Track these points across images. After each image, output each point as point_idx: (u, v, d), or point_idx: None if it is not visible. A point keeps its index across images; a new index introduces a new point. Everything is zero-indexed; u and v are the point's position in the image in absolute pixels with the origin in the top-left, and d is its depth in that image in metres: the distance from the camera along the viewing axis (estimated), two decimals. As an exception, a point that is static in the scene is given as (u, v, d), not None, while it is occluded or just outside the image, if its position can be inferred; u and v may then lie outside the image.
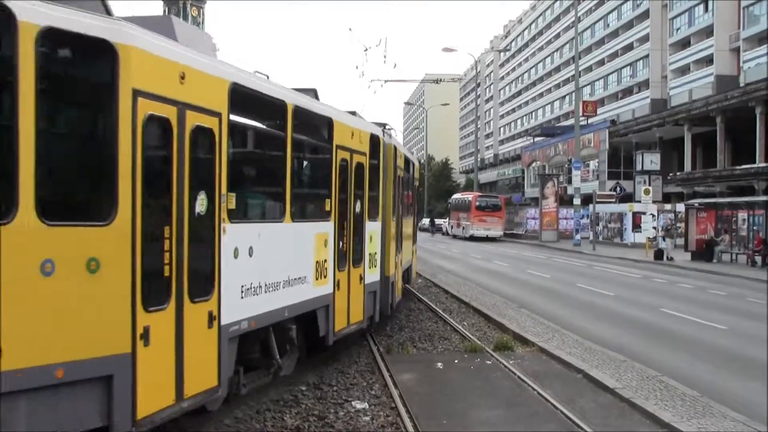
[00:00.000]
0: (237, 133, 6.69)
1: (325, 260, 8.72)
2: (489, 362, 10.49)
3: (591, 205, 45.07)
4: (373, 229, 10.40)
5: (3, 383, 4.31)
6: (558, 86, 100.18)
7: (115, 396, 5.01)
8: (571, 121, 71.54)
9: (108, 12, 5.18)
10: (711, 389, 8.99)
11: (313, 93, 9.12)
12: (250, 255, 6.78)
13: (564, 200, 56.51)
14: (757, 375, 9.95)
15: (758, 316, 15.59)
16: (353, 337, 11.91)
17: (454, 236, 59.28)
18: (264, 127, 7.49)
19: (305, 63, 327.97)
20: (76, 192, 5.06)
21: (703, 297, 19.15)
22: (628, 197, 50.55)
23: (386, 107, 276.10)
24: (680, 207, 41.59)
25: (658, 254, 32.47)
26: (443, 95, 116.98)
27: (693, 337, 12.95)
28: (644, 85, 75.71)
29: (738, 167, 44.12)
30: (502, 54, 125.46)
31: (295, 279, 7.94)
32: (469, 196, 58.90)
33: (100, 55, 4.93)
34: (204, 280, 6.03)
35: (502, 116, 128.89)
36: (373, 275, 10.43)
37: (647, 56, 74.64)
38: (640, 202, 41.83)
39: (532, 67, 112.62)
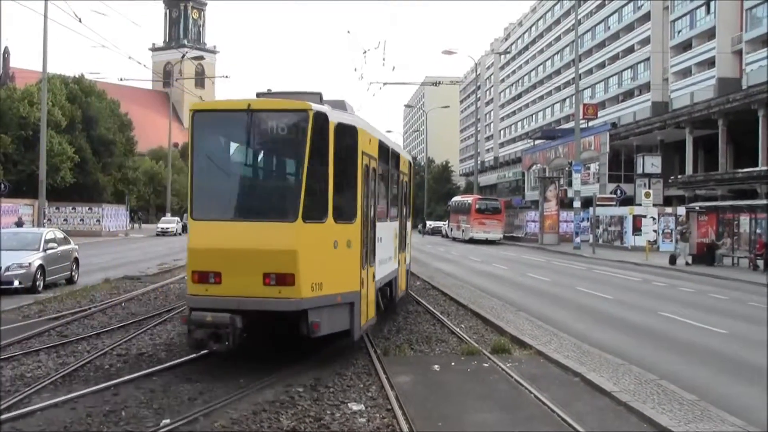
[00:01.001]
0: (379, 167, 11.80)
1: (395, 247, 13.88)
2: (486, 365, 10.50)
3: (591, 208, 45.13)
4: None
5: (324, 300, 9.33)
6: (558, 89, 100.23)
7: (354, 313, 9.95)
8: (571, 124, 71.56)
9: (321, 101, 10.22)
10: (709, 393, 8.98)
11: (318, 97, 10.50)
12: (381, 242, 11.68)
13: (564, 203, 56.57)
14: (756, 379, 9.97)
15: (759, 320, 15.60)
16: (350, 340, 11.93)
17: (454, 239, 59.32)
18: (384, 164, 12.39)
19: (303, 63, 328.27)
20: (343, 207, 9.80)
21: (704, 301, 19.16)
22: (628, 200, 50.59)
23: (386, 110, 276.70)
24: (681, 210, 41.61)
25: (673, 259, 32.00)
26: (443, 98, 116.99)
27: (692, 341, 12.95)
28: (645, 87, 75.75)
29: (740, 170, 44.15)
30: (502, 56, 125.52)
31: (389, 258, 12.96)
32: (469, 198, 58.97)
33: (352, 134, 9.96)
34: (373, 254, 11.14)
35: (502, 119, 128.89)
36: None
37: (648, 59, 74.69)
38: (640, 205, 41.85)
39: (532, 70, 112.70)
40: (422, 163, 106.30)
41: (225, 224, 9.46)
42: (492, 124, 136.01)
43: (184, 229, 64.25)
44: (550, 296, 19.80)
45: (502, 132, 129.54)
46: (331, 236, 9.62)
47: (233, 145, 10.07)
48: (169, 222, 62.44)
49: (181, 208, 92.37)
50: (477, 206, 54.94)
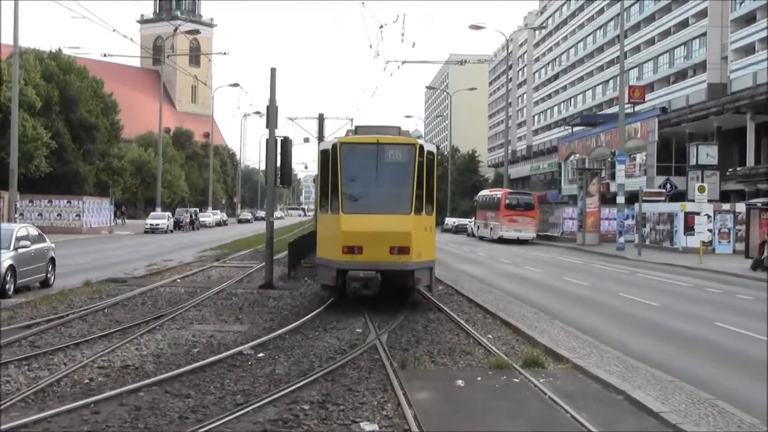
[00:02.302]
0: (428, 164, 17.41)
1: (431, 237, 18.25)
2: (516, 380, 10.50)
3: (637, 204, 44.87)
4: None
5: (422, 265, 17.08)
6: (601, 69, 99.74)
7: (432, 277, 17.78)
8: (615, 109, 71.14)
9: (399, 132, 18.10)
10: (772, 414, 8.90)
11: (398, 129, 18.50)
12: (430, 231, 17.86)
13: (606, 198, 56.32)
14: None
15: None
16: (363, 351, 12.13)
17: (481, 238, 59.34)
18: (426, 164, 17.43)
19: (311, 39, 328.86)
20: (429, 204, 17.22)
21: (765, 310, 19.02)
22: (679, 195, 50.30)
23: (405, 92, 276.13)
24: (741, 207, 41.30)
25: (757, 263, 30.89)
26: (469, 79, 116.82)
27: (752, 356, 12.86)
28: (700, 67, 75.20)
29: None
30: (537, 32, 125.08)
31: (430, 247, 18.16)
32: (498, 193, 58.96)
33: (432, 156, 17.48)
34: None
35: (536, 103, 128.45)
36: None
37: (704, 34, 74.09)
38: (693, 201, 41.59)
39: (571, 47, 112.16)
40: (446, 153, 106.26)
41: (365, 216, 16.93)
42: (525, 109, 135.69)
43: (177, 226, 64.83)
44: (589, 303, 19.77)
45: (536, 118, 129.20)
46: (424, 223, 17.35)
47: (368, 165, 17.26)
48: (159, 218, 62.88)
49: (173, 201, 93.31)
50: (507, 201, 54.95)
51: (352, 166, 17.37)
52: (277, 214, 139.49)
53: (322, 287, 18.65)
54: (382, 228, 16.84)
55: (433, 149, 18.00)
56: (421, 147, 17.23)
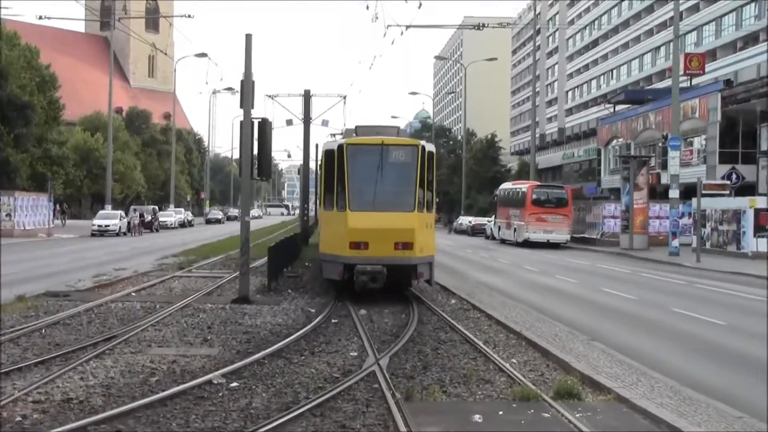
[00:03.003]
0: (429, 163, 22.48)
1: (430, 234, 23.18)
2: (547, 414, 10.51)
3: (694, 200, 44.83)
4: None
5: (427, 259, 22.36)
6: (649, 33, 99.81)
7: (432, 270, 22.75)
8: (667, 83, 71.17)
9: (398, 132, 24.57)
10: None
11: (397, 129, 24.60)
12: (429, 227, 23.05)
13: (656, 192, 56.32)
14: None
15: None
16: (359, 379, 12.23)
17: (503, 241, 59.42)
18: (427, 164, 22.29)
19: (297, 0, 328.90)
20: (429, 202, 22.58)
21: None
22: (748, 188, 50.32)
23: (409, 63, 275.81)
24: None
25: None
26: (488, 47, 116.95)
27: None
28: (773, 30, 75.16)
29: None
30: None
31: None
32: (523, 186, 59.03)
33: (432, 156, 22.87)
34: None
35: (570, 75, 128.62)
36: None
37: (777, -10, 74.06)
38: (765, 195, 41.57)
39: (613, 7, 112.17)
40: (459, 137, 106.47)
41: (371, 213, 21.59)
42: (556, 84, 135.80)
43: (129, 229, 64.68)
44: (636, 320, 19.82)
45: (569, 94, 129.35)
46: (426, 220, 22.26)
47: (373, 165, 21.97)
48: (109, 217, 63.07)
49: (126, 198, 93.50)
50: (534, 196, 55.07)
51: (357, 166, 22.12)
52: (254, 212, 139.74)
53: (326, 281, 24.24)
54: (388, 225, 21.67)
55: (433, 149, 23.44)
56: (423, 147, 22.39)
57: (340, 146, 22.15)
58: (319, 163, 30.09)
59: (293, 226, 77.34)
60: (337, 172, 22.05)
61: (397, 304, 21.44)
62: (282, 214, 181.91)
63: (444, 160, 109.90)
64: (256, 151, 21.91)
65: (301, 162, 57.55)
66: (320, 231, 26.26)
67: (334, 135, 35.56)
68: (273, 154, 24.55)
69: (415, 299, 22.08)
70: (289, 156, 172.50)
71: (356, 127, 24.35)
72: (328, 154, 22.86)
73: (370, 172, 22.07)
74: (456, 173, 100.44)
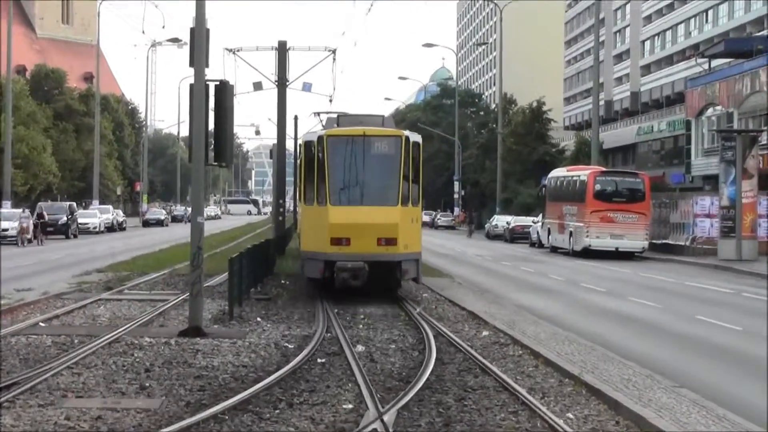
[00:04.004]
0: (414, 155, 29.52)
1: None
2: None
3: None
4: None
5: (412, 256, 29.26)
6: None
7: (419, 268, 29.79)
8: (781, 28, 70.89)
9: (383, 121, 32.33)
10: None
11: (382, 118, 32.27)
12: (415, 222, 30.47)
13: (763, 179, 55.51)
14: None
15: None
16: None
17: (554, 249, 59.43)
18: (413, 156, 29.26)
19: None
20: (415, 196, 29.65)
21: None
22: None
23: (422, 6, 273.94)
24: None
25: None
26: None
27: None
28: None
29: None
30: None
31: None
32: (582, 173, 58.82)
33: (418, 147, 29.74)
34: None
35: (648, 18, 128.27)
36: None
37: None
38: None
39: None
40: (492, 106, 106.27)
41: (352, 208, 28.00)
42: (628, 31, 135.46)
43: (41, 228, 63.84)
44: (742, 360, 19.76)
45: (646, 45, 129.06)
46: (411, 215, 28.59)
47: (354, 157, 27.88)
48: (8, 218, 62.65)
49: (32, 191, 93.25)
50: (598, 187, 54.90)
51: (338, 158, 28.16)
52: (210, 210, 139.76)
53: (308, 281, 30.30)
54: (370, 219, 27.84)
55: (419, 140, 29.71)
56: (407, 138, 28.57)
57: (320, 137, 28.50)
58: (298, 156, 36.59)
59: (264, 229, 77.40)
60: (317, 164, 28.28)
61: (407, 337, 21.45)
62: (249, 212, 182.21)
63: (471, 138, 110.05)
64: (212, 126, 21.91)
65: (275, 141, 56.68)
66: (301, 227, 34.56)
67: (318, 115, 39.86)
68: (236, 130, 24.51)
69: (432, 329, 22.09)
70: (257, 133, 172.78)
71: (338, 116, 31.64)
72: (308, 146, 29.34)
73: (352, 164, 28.28)
74: (488, 156, 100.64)
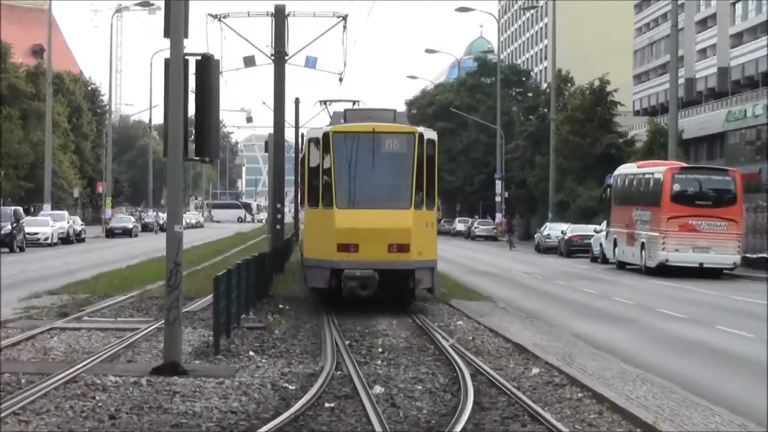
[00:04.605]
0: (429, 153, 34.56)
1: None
2: None
3: None
4: None
5: (427, 264, 33.62)
6: None
7: (434, 277, 34.31)
8: None
9: (395, 115, 36.76)
10: None
11: (394, 112, 36.35)
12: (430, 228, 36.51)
13: None
14: None
15: None
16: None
17: (622, 264, 59.61)
18: (427, 154, 34.05)
19: None
20: (430, 199, 34.05)
21: None
22: None
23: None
24: None
25: None
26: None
27: None
28: None
29: None
30: None
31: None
32: (656, 170, 58.68)
33: (433, 144, 34.30)
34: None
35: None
36: None
37: None
38: None
39: None
40: (544, 86, 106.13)
41: (360, 211, 31.81)
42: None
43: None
44: None
45: (736, 9, 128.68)
46: (425, 219, 32.98)
47: (363, 156, 32.23)
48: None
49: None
50: (677, 187, 54.86)
51: (345, 157, 31.84)
52: (191, 217, 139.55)
53: (312, 291, 34.19)
54: (380, 224, 31.47)
55: (434, 137, 33.49)
56: (421, 135, 32.01)
57: (326, 134, 32.13)
58: (300, 152, 41.93)
59: (258, 240, 77.39)
60: (322, 164, 31.90)
61: (436, 375, 21.50)
62: (239, 219, 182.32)
63: (517, 125, 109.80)
64: (192, 112, 21.85)
65: (270, 131, 56.23)
66: (304, 233, 37.53)
67: (325, 104, 46.00)
68: (222, 116, 24.41)
69: (468, 365, 22.13)
70: (249, 120, 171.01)
71: (345, 110, 35.61)
72: (312, 143, 32.89)
73: (360, 163, 32.07)
74: (538, 148, 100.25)
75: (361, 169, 30.71)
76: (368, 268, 29.76)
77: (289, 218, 69.06)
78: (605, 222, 64.83)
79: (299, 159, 45.33)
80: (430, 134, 31.84)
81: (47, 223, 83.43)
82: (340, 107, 37.11)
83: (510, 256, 78.93)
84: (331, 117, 37.25)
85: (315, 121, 69.65)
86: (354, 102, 43.11)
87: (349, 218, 30.28)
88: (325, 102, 45.72)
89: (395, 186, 31.15)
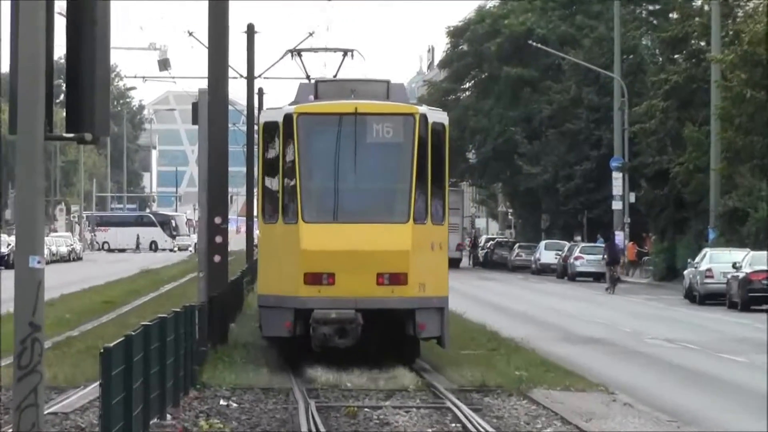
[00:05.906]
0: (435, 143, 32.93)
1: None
2: None
3: None
4: None
5: (433, 302, 30.57)
6: None
7: (443, 321, 30.14)
8: None
9: (388, 88, 33.82)
10: None
11: (386, 85, 32.10)
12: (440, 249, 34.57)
13: None
14: None
15: None
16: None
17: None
18: (433, 144, 32.02)
19: None
20: (437, 208, 30.35)
21: None
22: None
23: None
24: None
25: None
26: None
27: None
28: None
29: None
30: None
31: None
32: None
33: (443, 130, 32.35)
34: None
35: None
36: None
37: None
38: None
39: None
40: (699, 1, 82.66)
41: (337, 226, 26.89)
42: None
43: None
44: None
45: None
46: (431, 237, 28.09)
47: (341, 148, 26.93)
48: None
49: None
50: None
51: (315, 150, 26.08)
52: (59, 243, 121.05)
53: (268, 341, 27.01)
54: (365, 245, 25.89)
55: (444, 119, 28.12)
56: (424, 117, 26.50)
57: (287, 117, 25.20)
58: (256, 140, 33.31)
59: (181, 283, 66.88)
60: (283, 159, 25.10)
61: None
62: (152, 246, 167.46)
63: (650, 72, 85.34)
64: (61, 55, 14.99)
65: (203, 85, 35.74)
66: (260, 258, 30.39)
67: (295, 55, 33.18)
68: (116, 60, 15.11)
69: None
70: (164, 67, 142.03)
71: (316, 81, 27.33)
72: (269, 128, 25.88)
73: (336, 159, 25.76)
74: (690, 113, 74.61)
75: (337, 168, 24.14)
76: (348, 308, 23.68)
77: (239, 242, 60.59)
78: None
79: (254, 144, 37.91)
80: (436, 116, 25.29)
81: None
82: (314, 73, 30.73)
83: (635, 311, 62.46)
84: (296, 91, 29.07)
85: (282, 82, 64.86)
86: (345, 52, 33.75)
87: (320, 237, 23.96)
88: (297, 52, 33.83)
89: (387, 190, 24.86)
